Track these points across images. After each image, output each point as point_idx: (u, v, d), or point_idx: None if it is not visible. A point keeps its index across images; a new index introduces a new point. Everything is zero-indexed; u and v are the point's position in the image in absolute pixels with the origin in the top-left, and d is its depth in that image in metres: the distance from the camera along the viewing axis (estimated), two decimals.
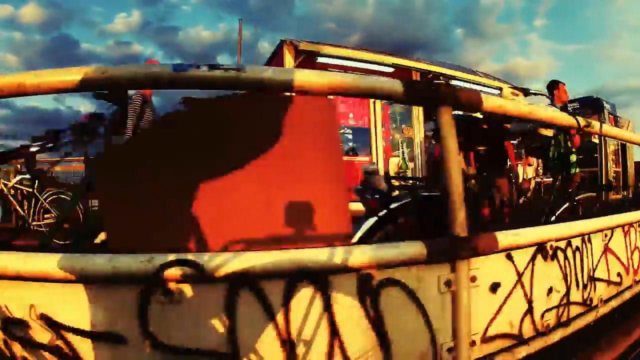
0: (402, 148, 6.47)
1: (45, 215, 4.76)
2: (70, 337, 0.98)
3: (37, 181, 4.68)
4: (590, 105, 9.13)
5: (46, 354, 1.00)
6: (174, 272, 0.97)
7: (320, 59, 5.40)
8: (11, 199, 4.80)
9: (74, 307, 0.98)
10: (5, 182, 4.80)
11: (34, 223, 4.69)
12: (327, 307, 1.10)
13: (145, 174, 1.10)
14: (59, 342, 0.98)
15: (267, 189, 1.31)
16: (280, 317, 1.06)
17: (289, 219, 1.32)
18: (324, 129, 1.45)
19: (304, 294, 1.08)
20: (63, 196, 4.83)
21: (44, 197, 4.73)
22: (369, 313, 1.16)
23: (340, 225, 1.37)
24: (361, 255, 1.11)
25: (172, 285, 0.99)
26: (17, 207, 4.77)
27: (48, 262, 0.95)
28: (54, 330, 0.98)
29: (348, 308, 1.12)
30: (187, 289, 1.00)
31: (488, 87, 7.01)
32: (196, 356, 1.01)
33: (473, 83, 6.72)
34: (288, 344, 1.07)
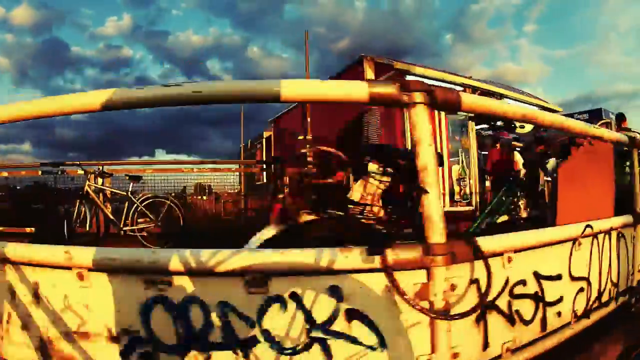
0: (461, 156, 6.78)
1: (139, 220, 4.75)
2: None
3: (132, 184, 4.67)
4: (597, 116, 9.77)
5: None
6: None
7: (408, 77, 5.73)
8: (99, 202, 4.75)
9: None
10: (95, 184, 4.75)
11: (127, 228, 4.66)
12: None
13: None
14: None
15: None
16: None
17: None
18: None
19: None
20: (160, 199, 4.81)
21: (139, 201, 4.71)
22: None
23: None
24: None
25: None
26: (106, 211, 4.74)
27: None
28: None
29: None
30: None
31: (532, 104, 7.49)
32: None
33: (521, 102, 7.17)
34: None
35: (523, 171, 6.21)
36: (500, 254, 1.28)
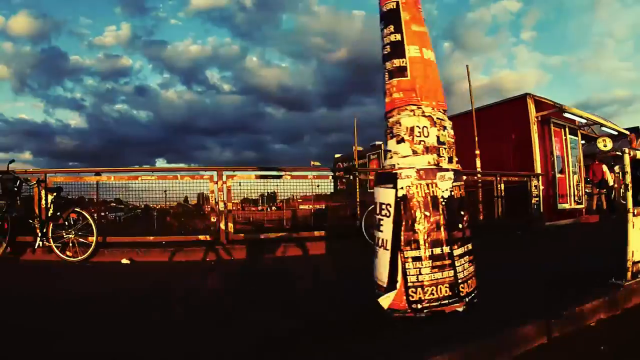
0: (575, 168, 9.46)
1: None
2: None
3: None
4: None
5: None
6: None
7: (566, 114, 8.48)
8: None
9: None
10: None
11: None
12: None
13: None
14: None
15: None
16: None
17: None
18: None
19: None
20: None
21: None
22: None
23: None
24: None
25: None
26: None
27: None
28: None
29: None
30: None
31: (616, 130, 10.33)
32: None
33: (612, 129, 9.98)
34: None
35: (611, 178, 9.00)
36: None
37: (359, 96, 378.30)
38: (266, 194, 8.26)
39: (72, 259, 4.30)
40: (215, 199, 5.25)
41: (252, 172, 5.50)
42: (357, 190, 7.11)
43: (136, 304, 2.68)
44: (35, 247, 4.35)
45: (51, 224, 4.41)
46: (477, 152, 8.43)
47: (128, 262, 4.40)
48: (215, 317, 2.36)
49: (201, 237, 5.05)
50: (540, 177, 7.69)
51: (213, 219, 5.23)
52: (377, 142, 16.38)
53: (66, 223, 4.44)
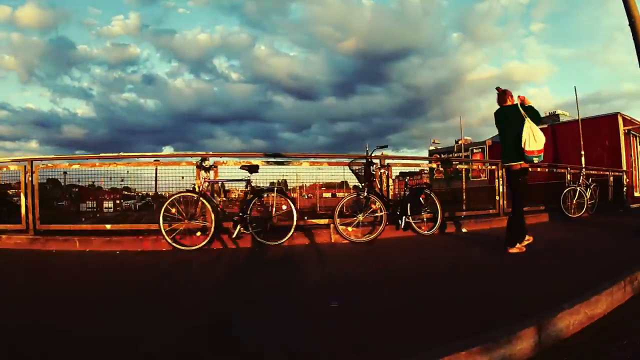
0: None
1: None
2: None
3: None
4: None
5: None
6: None
7: None
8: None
9: None
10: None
11: None
12: None
13: None
14: None
15: None
16: None
17: None
18: None
19: None
20: None
21: None
22: None
23: None
24: None
25: None
26: None
27: None
28: None
29: None
30: None
31: None
32: None
33: None
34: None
35: None
36: None
37: (367, 86, 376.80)
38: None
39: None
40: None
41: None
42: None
43: None
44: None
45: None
46: (582, 152, 12.10)
47: None
48: None
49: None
50: (626, 173, 11.01)
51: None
52: (484, 139, 19.93)
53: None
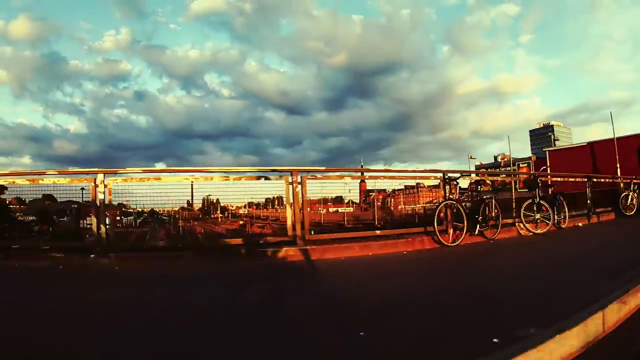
0: None
1: None
2: None
3: None
4: None
5: None
6: None
7: None
8: None
9: None
10: None
11: None
12: None
13: None
14: None
15: None
16: None
17: None
18: None
19: None
20: None
21: None
22: None
23: None
24: None
25: None
26: None
27: None
28: None
29: None
30: None
31: None
32: None
33: None
34: None
35: None
36: None
37: (356, 99, 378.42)
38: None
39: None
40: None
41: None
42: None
43: None
44: None
45: None
46: (618, 165, 14.80)
47: None
48: None
49: None
50: None
51: None
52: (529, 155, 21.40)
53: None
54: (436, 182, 7.25)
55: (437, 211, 5.86)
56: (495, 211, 6.49)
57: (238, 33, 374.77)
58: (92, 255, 4.65)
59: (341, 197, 8.33)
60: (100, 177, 5.07)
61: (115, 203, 5.30)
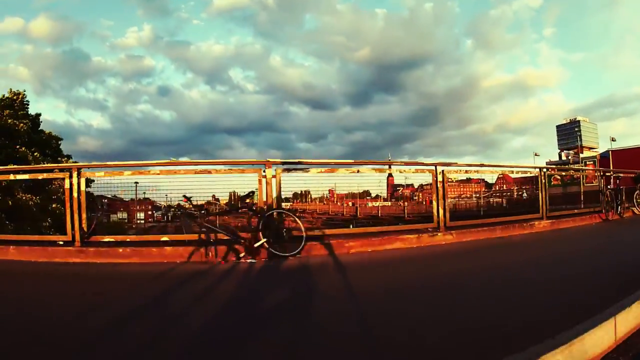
0: None
1: None
2: None
3: None
4: None
5: None
6: None
7: None
8: None
9: None
10: None
11: None
12: None
13: None
14: None
15: None
16: None
17: None
18: None
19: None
20: None
21: None
22: None
23: None
24: None
25: None
26: None
27: None
28: None
29: None
30: None
31: None
32: None
33: None
34: None
35: None
36: None
37: (382, 94, 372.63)
38: None
39: None
40: None
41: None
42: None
43: None
44: None
45: None
46: None
47: None
48: None
49: None
50: None
51: None
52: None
53: None
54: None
55: (602, 197, 8.58)
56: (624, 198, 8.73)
57: (261, 28, 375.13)
58: None
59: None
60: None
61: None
